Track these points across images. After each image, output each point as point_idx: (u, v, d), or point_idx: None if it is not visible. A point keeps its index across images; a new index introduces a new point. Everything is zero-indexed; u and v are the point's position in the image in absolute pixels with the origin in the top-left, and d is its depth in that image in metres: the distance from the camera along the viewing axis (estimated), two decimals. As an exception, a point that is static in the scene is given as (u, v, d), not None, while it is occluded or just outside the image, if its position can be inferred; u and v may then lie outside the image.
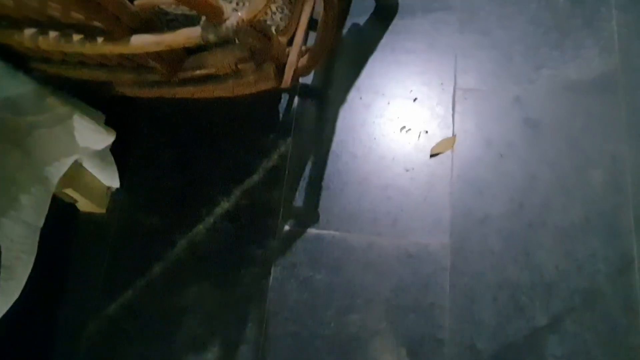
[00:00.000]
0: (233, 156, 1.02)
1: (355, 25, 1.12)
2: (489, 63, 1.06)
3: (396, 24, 1.11)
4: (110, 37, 0.51)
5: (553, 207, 0.94)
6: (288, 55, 0.79)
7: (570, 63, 1.04)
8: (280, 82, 0.79)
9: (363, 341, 0.90)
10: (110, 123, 0.89)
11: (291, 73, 0.79)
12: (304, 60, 0.81)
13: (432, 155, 1.00)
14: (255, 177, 1.01)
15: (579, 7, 1.08)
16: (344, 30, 1.12)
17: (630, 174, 0.95)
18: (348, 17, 1.13)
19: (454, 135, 1.01)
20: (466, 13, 1.10)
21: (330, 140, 1.03)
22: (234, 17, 0.51)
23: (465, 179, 0.98)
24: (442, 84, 1.05)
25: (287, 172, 1.01)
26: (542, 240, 0.92)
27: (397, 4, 1.12)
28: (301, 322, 0.91)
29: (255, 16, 0.53)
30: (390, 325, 0.90)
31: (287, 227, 0.97)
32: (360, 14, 1.12)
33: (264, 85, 0.80)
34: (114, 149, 0.94)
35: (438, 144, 1.01)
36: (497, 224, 0.94)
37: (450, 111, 1.03)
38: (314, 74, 1.09)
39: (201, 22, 0.52)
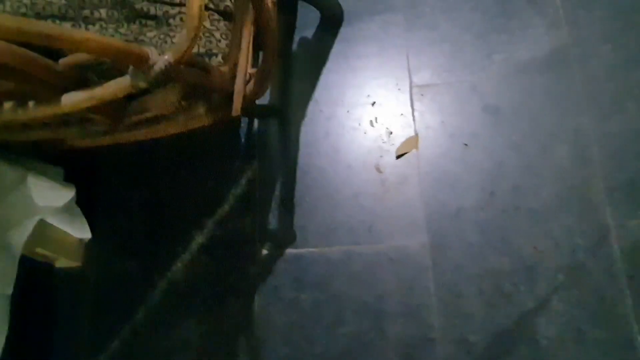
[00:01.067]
0: (201, 188, 1.02)
1: (304, 38, 1.12)
2: (441, 57, 1.06)
3: (344, 31, 1.11)
4: (40, 100, 0.51)
5: (524, 190, 0.94)
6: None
7: (520, 44, 1.04)
8: (231, 110, 0.78)
9: (356, 353, 0.89)
10: (71, 174, 0.88)
11: (240, 100, 0.78)
12: (251, 85, 0.81)
13: (398, 157, 1.00)
14: (226, 206, 1.00)
15: (520, -13, 1.08)
16: (294, 45, 1.12)
17: (595, 145, 0.96)
18: (295, 31, 1.13)
19: (416, 134, 1.01)
20: (411, 10, 1.10)
21: (295, 157, 1.03)
22: (161, 61, 0.51)
23: (434, 175, 0.98)
24: (397, 84, 1.05)
25: (257, 196, 1.01)
26: (518, 225, 0.92)
27: (341, 12, 1.12)
28: (292, 344, 0.91)
29: (182, 56, 0.53)
30: (380, 333, 0.90)
31: (265, 252, 0.97)
32: (307, 26, 1.13)
33: (215, 117, 0.80)
34: (80, 198, 0.93)
35: (402, 144, 1.01)
36: (471, 215, 0.94)
37: (410, 109, 1.03)
38: (270, 92, 1.09)
39: (129, 70, 0.52)
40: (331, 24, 1.12)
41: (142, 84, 0.52)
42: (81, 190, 0.91)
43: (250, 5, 0.77)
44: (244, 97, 0.79)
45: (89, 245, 1.00)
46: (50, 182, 0.78)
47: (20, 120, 0.53)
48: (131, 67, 0.51)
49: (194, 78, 0.62)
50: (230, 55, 0.76)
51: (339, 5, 1.12)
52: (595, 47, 1.02)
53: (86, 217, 0.98)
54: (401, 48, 1.08)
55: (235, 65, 0.79)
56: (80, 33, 0.48)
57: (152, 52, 0.51)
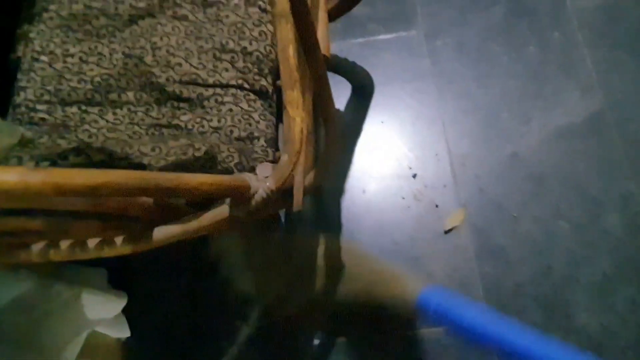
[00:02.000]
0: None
1: (336, 111, 1.09)
2: (477, 125, 1.05)
3: (377, 101, 1.09)
4: (130, 236, 0.47)
5: (580, 262, 0.92)
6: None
7: (556, 110, 1.04)
8: (291, 204, 0.75)
9: None
10: (110, 270, 0.83)
11: (301, 195, 0.75)
12: (310, 177, 0.78)
13: (446, 232, 0.97)
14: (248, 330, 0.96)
15: (550, 52, 1.09)
16: (326, 118, 1.09)
17: (645, 211, 0.94)
18: (326, 104, 1.10)
19: (463, 207, 0.98)
20: (442, 79, 1.09)
21: (337, 236, 0.99)
22: (262, 189, 0.48)
23: (486, 250, 0.95)
24: (436, 154, 1.03)
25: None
26: (580, 299, 0.90)
27: (372, 82, 1.11)
28: None
29: (284, 182, 0.49)
30: None
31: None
32: (338, 98, 1.10)
33: (271, 212, 0.76)
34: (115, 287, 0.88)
35: (450, 219, 0.98)
36: (530, 291, 0.91)
37: (452, 180, 1.01)
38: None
39: (228, 201, 0.48)
40: (362, 94, 1.10)
41: (242, 214, 0.48)
42: (114, 280, 0.86)
43: (308, 97, 0.74)
44: (304, 190, 0.76)
45: (126, 344, 0.94)
46: (102, 294, 0.73)
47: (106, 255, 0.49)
48: (229, 198, 0.48)
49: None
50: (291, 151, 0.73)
51: (369, 75, 1.11)
52: (632, 110, 1.02)
53: (124, 312, 0.92)
54: (436, 117, 1.06)
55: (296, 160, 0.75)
56: (195, 178, 0.44)
57: (252, 180, 0.48)
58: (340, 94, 1.11)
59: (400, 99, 1.08)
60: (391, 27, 1.14)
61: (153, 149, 0.76)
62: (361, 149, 1.05)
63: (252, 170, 0.80)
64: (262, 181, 0.49)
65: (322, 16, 0.67)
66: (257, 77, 0.88)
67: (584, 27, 1.09)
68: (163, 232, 0.47)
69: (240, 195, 0.47)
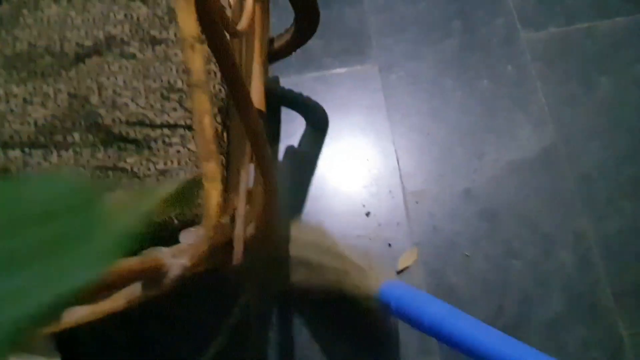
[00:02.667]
0: (191, 321, 0.95)
1: (290, 147, 1.08)
2: (432, 161, 1.04)
3: (330, 137, 1.08)
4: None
5: (532, 300, 0.92)
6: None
7: (509, 144, 1.04)
8: (230, 260, 0.73)
9: None
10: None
11: (241, 246, 0.73)
12: (251, 228, 0.76)
13: (399, 272, 0.96)
14: (221, 339, 0.94)
15: (503, 86, 1.09)
16: (280, 155, 1.08)
17: (596, 248, 0.94)
18: (280, 141, 1.09)
19: (416, 246, 0.98)
20: (396, 113, 1.08)
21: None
22: (176, 266, 0.46)
23: (440, 289, 0.94)
24: (390, 191, 1.02)
25: (252, 325, 0.94)
26: (532, 339, 0.89)
27: (326, 118, 1.10)
28: None
29: (200, 258, 0.48)
30: None
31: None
32: (293, 134, 1.09)
33: (211, 266, 0.74)
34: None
35: (402, 259, 0.97)
36: (482, 333, 0.90)
37: (406, 218, 1.00)
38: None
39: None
40: (317, 130, 1.09)
41: (155, 292, 0.46)
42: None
43: (248, 145, 0.73)
44: (245, 243, 0.74)
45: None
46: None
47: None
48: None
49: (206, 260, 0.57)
50: (227, 205, 0.71)
51: (323, 110, 1.10)
52: (583, 145, 1.02)
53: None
54: (390, 153, 1.05)
55: (235, 210, 0.74)
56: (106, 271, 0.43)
57: (165, 257, 0.46)
58: (295, 129, 1.09)
59: (355, 134, 1.08)
60: (346, 61, 1.14)
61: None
62: (315, 186, 1.04)
63: (194, 219, 0.78)
64: (177, 257, 0.47)
65: (257, 69, 0.66)
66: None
67: (536, 60, 1.10)
68: (75, 314, 0.45)
69: (152, 275, 0.46)
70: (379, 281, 0.81)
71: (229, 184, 0.76)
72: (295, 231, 0.94)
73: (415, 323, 0.72)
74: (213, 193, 0.47)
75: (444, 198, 1.01)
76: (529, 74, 1.09)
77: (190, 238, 0.51)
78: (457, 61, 1.12)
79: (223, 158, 0.76)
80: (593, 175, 0.99)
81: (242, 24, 0.59)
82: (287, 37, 0.99)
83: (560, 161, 1.01)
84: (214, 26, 0.52)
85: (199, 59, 0.46)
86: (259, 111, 0.66)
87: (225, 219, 0.72)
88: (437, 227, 0.98)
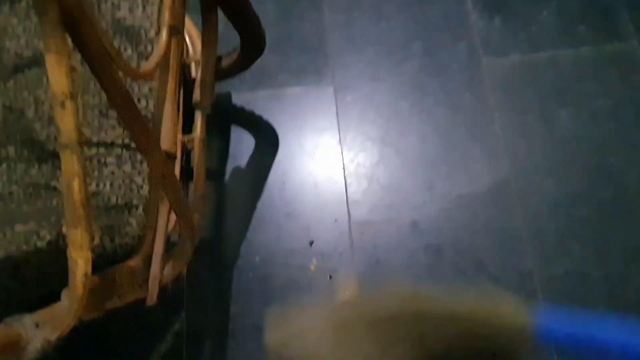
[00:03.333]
0: (121, 346, 0.92)
1: (237, 168, 1.05)
2: (380, 189, 1.01)
3: (280, 159, 1.05)
4: None
5: (470, 343, 0.89)
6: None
7: (461, 177, 1.01)
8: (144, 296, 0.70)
9: None
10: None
11: (156, 287, 0.70)
12: (169, 267, 0.73)
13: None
14: (150, 369, 0.91)
15: (459, 114, 1.05)
16: (227, 176, 1.05)
17: (540, 291, 0.92)
18: (228, 160, 1.06)
19: (356, 279, 0.95)
20: (350, 137, 1.05)
21: (228, 307, 0.95)
22: (37, 340, 0.43)
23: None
24: (336, 220, 0.99)
25: (184, 352, 0.92)
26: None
27: (276, 139, 1.06)
28: None
29: (64, 331, 0.45)
30: None
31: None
32: (241, 153, 1.06)
33: (126, 303, 0.71)
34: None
35: (342, 290, 0.94)
36: (416, 376, 0.88)
37: (349, 249, 0.97)
38: (201, 230, 1.01)
39: (-2, 353, 0.44)
40: (265, 151, 1.06)
41: (13, 368, 0.43)
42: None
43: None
44: (160, 282, 0.71)
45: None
46: None
47: None
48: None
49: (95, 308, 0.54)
50: (142, 247, 0.68)
51: (274, 131, 1.07)
52: (537, 181, 0.99)
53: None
54: (339, 179, 1.02)
55: (150, 251, 0.71)
56: None
57: (25, 329, 0.43)
58: (244, 149, 1.06)
59: (305, 157, 1.04)
60: (301, 80, 1.10)
61: (-2, 233, 0.70)
62: (260, 211, 1.01)
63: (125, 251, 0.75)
64: (41, 327, 0.44)
65: (168, 109, 0.63)
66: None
67: (496, 89, 1.06)
68: None
69: (11, 350, 0.43)
70: (523, 313, 0.59)
71: (147, 223, 0.73)
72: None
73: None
74: (80, 263, 0.44)
75: (390, 230, 0.98)
76: (487, 103, 1.05)
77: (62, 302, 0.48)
78: (415, 85, 1.08)
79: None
80: (544, 214, 0.96)
81: (149, 65, 0.55)
82: (234, 56, 0.96)
83: (511, 197, 0.98)
84: (100, 66, 0.49)
85: (69, 117, 0.43)
86: (169, 154, 0.62)
87: (139, 262, 0.69)
88: (381, 260, 0.96)
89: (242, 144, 1.06)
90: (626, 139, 1.00)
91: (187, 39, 0.99)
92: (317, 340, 0.65)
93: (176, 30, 0.62)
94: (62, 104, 0.43)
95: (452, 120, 1.05)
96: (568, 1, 1.13)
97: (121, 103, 0.53)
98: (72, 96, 0.43)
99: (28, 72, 0.86)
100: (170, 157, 0.63)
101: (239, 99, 1.09)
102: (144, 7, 0.92)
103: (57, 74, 0.43)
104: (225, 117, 1.08)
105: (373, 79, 1.09)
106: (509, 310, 0.60)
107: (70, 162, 0.44)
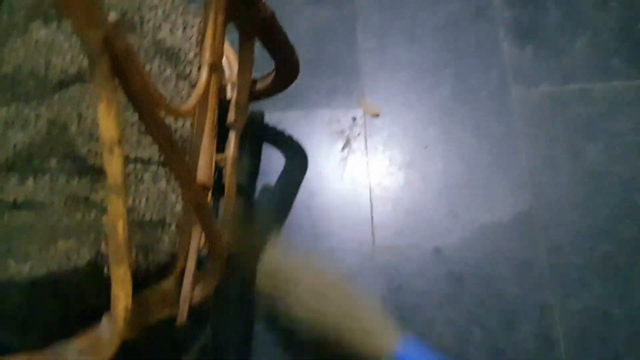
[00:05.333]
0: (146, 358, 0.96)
1: (266, 186, 1.08)
2: (405, 215, 1.03)
3: (308, 180, 1.08)
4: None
5: (487, 373, 0.91)
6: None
7: (485, 206, 1.02)
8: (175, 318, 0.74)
9: None
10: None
11: (187, 307, 0.74)
12: (199, 288, 0.76)
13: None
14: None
15: (486, 143, 1.06)
16: (256, 193, 1.08)
17: (559, 325, 0.93)
18: (258, 177, 1.09)
19: (379, 304, 0.97)
20: (377, 160, 1.07)
21: (252, 321, 0.98)
22: None
23: (395, 349, 0.94)
24: (359, 243, 1.02)
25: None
26: (480, 415, 0.88)
27: (305, 160, 1.09)
28: None
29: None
30: None
31: None
32: (271, 171, 1.09)
33: (156, 322, 0.75)
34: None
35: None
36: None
37: (371, 273, 0.99)
38: (229, 244, 1.04)
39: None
40: (295, 170, 1.09)
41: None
42: None
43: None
44: (190, 302, 0.75)
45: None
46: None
47: None
48: None
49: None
50: (176, 265, 0.72)
51: (303, 151, 1.10)
52: (561, 214, 1.00)
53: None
54: (366, 202, 1.04)
55: (182, 270, 0.74)
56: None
57: (70, 355, 0.46)
58: (274, 167, 1.09)
59: (331, 178, 1.07)
60: (332, 101, 1.13)
61: (40, 250, 0.75)
62: (287, 229, 1.04)
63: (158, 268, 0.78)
64: (84, 354, 0.48)
65: (206, 142, 0.66)
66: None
67: (524, 118, 1.07)
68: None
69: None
70: (392, 342, 0.70)
71: (180, 244, 0.76)
72: (278, 256, 0.88)
73: None
74: (122, 297, 0.48)
75: (413, 255, 1.00)
76: (514, 132, 1.06)
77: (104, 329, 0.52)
78: (444, 112, 1.10)
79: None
80: (566, 248, 0.97)
81: (188, 105, 0.58)
82: (268, 81, 0.99)
83: (534, 230, 0.99)
84: (145, 110, 0.52)
85: (117, 162, 0.46)
86: (205, 186, 0.66)
87: (171, 285, 0.72)
88: (403, 285, 0.98)
89: (272, 162, 1.09)
90: (654, 176, 1.00)
91: (225, 60, 1.03)
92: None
93: (216, 67, 0.65)
94: (111, 150, 0.47)
95: (478, 148, 1.06)
96: (603, 33, 1.13)
97: (163, 142, 0.56)
98: (120, 142, 0.47)
99: (72, 88, 0.90)
100: (206, 188, 0.66)
101: (271, 118, 1.12)
102: (184, 29, 0.96)
103: (107, 121, 0.46)
104: (257, 135, 1.11)
105: (403, 103, 1.11)
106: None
107: (116, 205, 0.47)
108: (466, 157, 1.06)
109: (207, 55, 0.63)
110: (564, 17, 1.16)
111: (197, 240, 0.75)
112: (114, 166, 0.46)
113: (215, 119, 0.68)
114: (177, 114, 0.59)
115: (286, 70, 0.93)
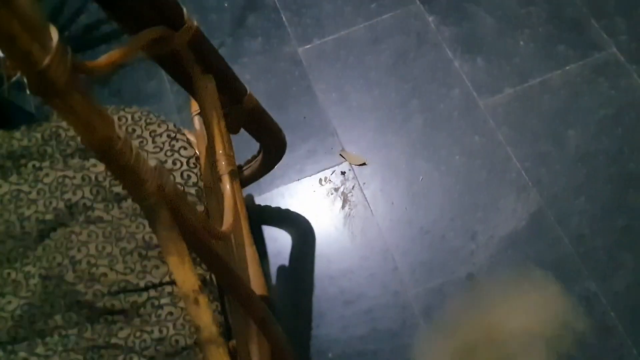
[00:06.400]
0: None
1: (282, 267, 1.05)
2: (427, 251, 1.02)
3: (320, 248, 1.05)
4: None
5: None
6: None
7: (498, 218, 1.03)
8: None
9: None
10: None
11: None
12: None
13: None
14: None
15: (477, 160, 1.08)
16: (272, 279, 1.04)
17: (612, 310, 0.93)
18: (269, 261, 1.05)
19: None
20: (381, 209, 1.06)
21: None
22: None
23: None
24: (395, 292, 0.99)
25: None
26: None
27: (311, 228, 1.07)
28: None
29: None
30: None
31: None
32: (280, 251, 1.05)
33: None
34: None
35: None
36: None
37: (417, 319, 0.97)
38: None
39: None
40: (304, 243, 1.06)
41: None
42: None
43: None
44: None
45: None
46: None
47: None
48: None
49: None
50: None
51: (306, 220, 1.07)
52: (570, 203, 1.02)
53: None
54: (384, 253, 1.03)
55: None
56: None
57: None
58: (282, 246, 1.06)
59: (343, 239, 1.05)
60: (316, 163, 1.12)
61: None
62: (317, 304, 1.00)
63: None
64: None
65: (250, 253, 0.63)
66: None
67: (501, 125, 1.10)
68: None
69: None
70: None
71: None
72: None
73: None
74: None
75: (450, 289, 0.98)
76: (497, 140, 1.09)
77: None
78: (425, 142, 1.11)
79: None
80: (587, 234, 0.99)
81: (227, 224, 0.56)
82: (256, 165, 0.97)
83: (551, 225, 1.01)
84: (200, 244, 0.49)
85: (205, 312, 0.43)
86: (263, 297, 0.62)
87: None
88: (447, 320, 0.96)
89: (279, 242, 1.06)
90: (637, 140, 1.05)
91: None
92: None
93: (234, 173, 0.63)
94: (196, 301, 0.43)
95: (470, 166, 1.08)
96: (538, 26, 1.19)
97: (219, 268, 0.53)
98: (202, 290, 0.43)
99: (55, 235, 0.85)
100: (265, 299, 0.63)
101: (262, 199, 1.09)
102: (153, 140, 0.93)
103: (183, 274, 0.43)
104: (253, 220, 1.07)
105: (384, 146, 1.12)
106: None
107: (217, 356, 0.43)
108: (462, 177, 1.07)
109: (223, 165, 0.61)
110: (498, 21, 1.21)
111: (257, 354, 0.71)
112: (203, 318, 0.43)
113: (248, 225, 0.65)
114: (220, 237, 0.55)
115: (274, 149, 0.92)
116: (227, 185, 0.60)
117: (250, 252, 0.62)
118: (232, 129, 0.80)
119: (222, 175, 0.60)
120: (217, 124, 0.59)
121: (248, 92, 0.72)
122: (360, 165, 1.09)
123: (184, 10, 0.56)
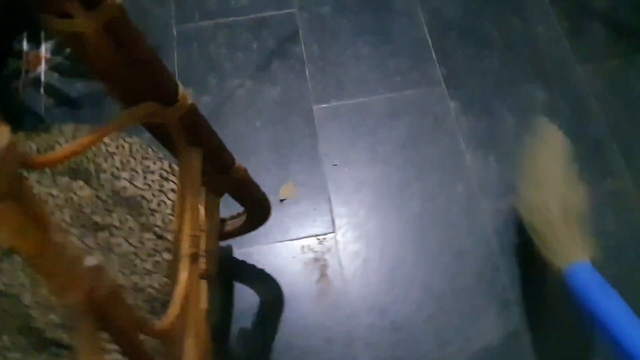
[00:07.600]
0: None
1: (243, 331, 1.01)
2: (391, 347, 0.98)
3: (287, 313, 1.01)
4: None
5: None
6: None
7: (472, 330, 0.99)
8: None
9: None
10: None
11: None
12: None
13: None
14: None
15: (467, 263, 1.05)
16: (231, 340, 1.00)
17: None
18: (232, 323, 1.02)
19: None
20: (358, 297, 1.03)
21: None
22: None
23: None
24: (349, 385, 0.95)
25: None
26: None
27: (281, 296, 1.03)
28: None
29: None
30: None
31: None
32: (245, 311, 1.02)
33: None
34: None
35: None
36: None
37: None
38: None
39: None
40: (271, 308, 1.02)
41: None
42: None
43: None
44: None
45: None
46: None
47: None
48: None
49: None
50: None
51: (278, 286, 1.04)
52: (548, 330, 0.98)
53: None
54: (351, 342, 0.99)
55: None
56: None
57: None
58: (249, 306, 1.02)
59: (308, 316, 1.01)
60: (308, 230, 1.08)
61: None
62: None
63: None
64: None
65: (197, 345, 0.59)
66: (148, 317, 0.80)
67: (498, 234, 1.07)
68: None
69: None
70: (574, 258, 0.83)
71: None
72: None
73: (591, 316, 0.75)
74: None
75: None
76: (491, 249, 1.06)
77: None
78: (417, 231, 1.08)
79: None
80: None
81: (171, 316, 0.52)
82: (238, 223, 0.94)
83: (526, 351, 0.96)
84: (129, 345, 0.46)
85: None
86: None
87: None
88: None
89: (246, 301, 1.03)
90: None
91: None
92: None
93: (195, 258, 0.60)
94: None
95: (458, 269, 1.04)
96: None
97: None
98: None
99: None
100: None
101: (241, 254, 1.06)
102: (144, 176, 0.91)
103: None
104: (227, 272, 1.05)
105: (375, 225, 1.09)
106: None
107: None
108: (448, 279, 1.03)
109: (185, 246, 0.58)
110: (519, 124, 1.18)
111: None
112: None
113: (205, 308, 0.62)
114: (163, 335, 0.52)
115: (258, 214, 0.89)
116: (183, 272, 0.57)
117: (199, 343, 0.59)
118: (216, 193, 0.78)
119: (182, 258, 0.57)
120: (190, 203, 0.57)
121: (237, 164, 0.70)
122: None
123: (179, 86, 0.54)
